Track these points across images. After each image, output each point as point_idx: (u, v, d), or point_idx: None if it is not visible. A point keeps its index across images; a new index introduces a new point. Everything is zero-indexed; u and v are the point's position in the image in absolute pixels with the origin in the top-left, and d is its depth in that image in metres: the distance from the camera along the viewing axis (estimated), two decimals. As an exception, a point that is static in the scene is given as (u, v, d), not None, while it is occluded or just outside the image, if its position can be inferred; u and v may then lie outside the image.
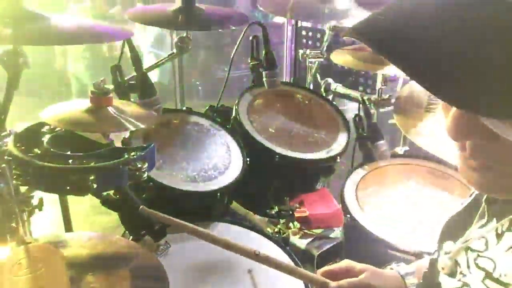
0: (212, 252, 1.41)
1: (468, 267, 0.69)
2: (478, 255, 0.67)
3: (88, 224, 2.50)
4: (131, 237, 1.35)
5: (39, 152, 1.17)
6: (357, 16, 1.91)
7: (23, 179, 1.13)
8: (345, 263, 1.07)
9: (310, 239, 1.72)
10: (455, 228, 0.76)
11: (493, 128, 0.50)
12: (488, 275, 0.64)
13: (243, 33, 1.89)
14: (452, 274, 0.72)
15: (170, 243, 1.40)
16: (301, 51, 2.26)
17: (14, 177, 1.12)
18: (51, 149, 1.19)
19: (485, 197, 0.72)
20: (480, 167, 0.58)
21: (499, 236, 0.64)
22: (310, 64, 2.22)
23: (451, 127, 0.56)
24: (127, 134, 1.60)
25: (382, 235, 1.50)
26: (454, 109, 0.55)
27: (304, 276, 1.06)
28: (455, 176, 1.78)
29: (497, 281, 0.62)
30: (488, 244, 0.66)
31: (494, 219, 0.67)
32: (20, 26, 1.17)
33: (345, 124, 1.94)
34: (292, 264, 1.39)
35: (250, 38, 1.89)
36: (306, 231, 1.73)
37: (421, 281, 0.89)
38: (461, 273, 0.70)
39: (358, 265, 1.05)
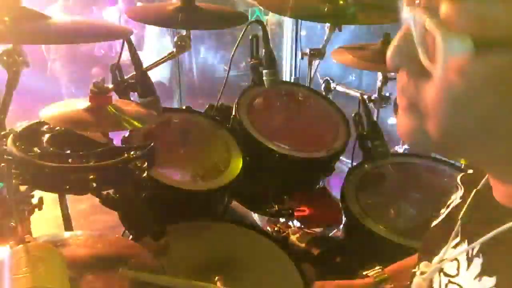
0: (212, 252, 1.41)
1: None
2: (450, 281, 0.65)
3: (88, 224, 2.50)
4: (131, 236, 1.35)
5: (38, 151, 1.17)
6: (357, 14, 1.91)
7: (22, 178, 1.13)
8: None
9: (309, 238, 1.72)
10: (431, 244, 0.74)
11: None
12: None
13: (243, 32, 1.89)
14: None
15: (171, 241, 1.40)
16: (301, 50, 2.25)
17: (14, 176, 1.12)
18: (51, 148, 1.19)
19: (460, 214, 0.69)
20: (406, 106, 0.57)
21: (469, 260, 0.62)
22: (310, 63, 2.21)
23: (390, 53, 0.55)
24: (127, 133, 1.60)
25: (383, 234, 1.50)
26: (398, 34, 0.55)
27: None
28: (454, 175, 1.78)
29: None
30: (459, 268, 0.63)
31: (466, 240, 0.65)
32: (19, 25, 1.17)
33: (345, 123, 1.94)
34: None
35: (250, 37, 1.89)
36: (306, 230, 1.73)
37: None
38: None
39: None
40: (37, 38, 1.21)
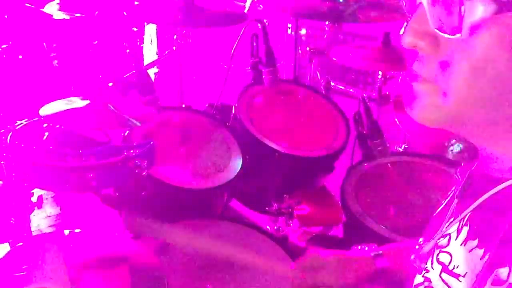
0: (211, 251, 1.41)
1: (432, 263, 0.71)
2: (440, 251, 0.70)
3: (88, 222, 2.50)
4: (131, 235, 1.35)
5: (38, 149, 1.16)
6: (357, 13, 1.91)
7: (22, 176, 1.13)
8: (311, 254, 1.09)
9: (309, 237, 1.72)
10: (432, 230, 0.77)
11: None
12: (444, 269, 0.67)
13: (242, 30, 1.89)
14: (420, 270, 0.74)
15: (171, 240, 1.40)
16: (301, 49, 2.25)
17: (13, 174, 1.11)
18: (51, 147, 1.19)
19: (457, 194, 0.73)
20: (419, 80, 0.60)
21: (459, 231, 0.67)
22: (310, 62, 2.21)
23: (407, 30, 0.58)
24: (126, 132, 1.60)
25: (382, 232, 1.50)
26: (414, 16, 0.58)
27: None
28: (455, 174, 1.77)
29: (450, 273, 0.65)
30: (450, 240, 0.68)
31: (459, 216, 0.69)
32: (20, 23, 1.16)
33: (345, 122, 1.94)
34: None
35: (250, 35, 1.88)
36: (305, 229, 1.72)
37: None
38: (426, 269, 0.73)
39: (323, 257, 1.08)
40: (36, 36, 1.21)
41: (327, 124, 1.95)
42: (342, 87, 2.18)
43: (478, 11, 0.52)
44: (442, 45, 0.56)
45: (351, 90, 2.18)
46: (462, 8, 0.52)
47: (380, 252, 1.07)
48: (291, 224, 1.75)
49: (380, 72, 2.08)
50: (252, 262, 1.30)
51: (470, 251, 0.62)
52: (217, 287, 1.30)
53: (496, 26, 0.52)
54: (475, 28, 0.52)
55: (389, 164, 1.86)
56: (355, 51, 2.02)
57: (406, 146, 2.22)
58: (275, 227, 1.75)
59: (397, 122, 1.89)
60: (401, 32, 0.59)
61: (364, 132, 1.82)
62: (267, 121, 1.87)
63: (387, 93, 2.08)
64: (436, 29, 0.55)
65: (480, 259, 0.59)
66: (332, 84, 2.19)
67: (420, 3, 0.57)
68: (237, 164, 1.68)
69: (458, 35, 0.53)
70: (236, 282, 1.33)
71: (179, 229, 1.45)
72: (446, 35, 0.55)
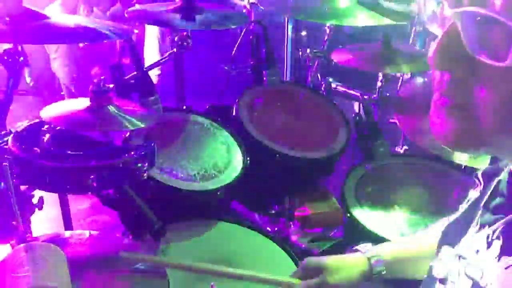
0: (212, 252, 1.41)
1: (458, 275, 0.68)
2: (468, 263, 0.66)
3: (88, 224, 2.50)
4: (131, 236, 1.35)
5: (39, 151, 1.17)
6: (358, 15, 1.91)
7: (23, 178, 1.14)
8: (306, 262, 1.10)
9: (310, 238, 1.72)
10: (453, 234, 0.75)
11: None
12: (475, 284, 0.63)
13: (243, 32, 1.89)
14: (444, 281, 0.71)
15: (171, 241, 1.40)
16: (301, 50, 2.26)
17: (14, 176, 1.12)
18: (51, 148, 1.19)
19: (482, 203, 0.71)
20: (450, 106, 0.56)
21: (489, 243, 0.64)
22: (310, 63, 2.22)
23: (437, 52, 0.53)
24: (127, 133, 1.60)
25: (383, 234, 1.50)
26: (441, 35, 0.53)
27: (271, 281, 1.08)
28: (455, 175, 1.78)
29: None
30: (479, 252, 0.65)
31: (486, 226, 0.66)
32: (20, 24, 1.17)
33: (345, 123, 1.94)
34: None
35: (251, 37, 1.89)
36: (306, 230, 1.73)
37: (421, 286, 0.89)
38: (451, 281, 0.70)
39: (319, 263, 1.08)
40: (37, 38, 1.21)
41: (328, 125, 1.95)
42: (343, 89, 2.18)
43: None
44: (479, 70, 0.51)
45: (351, 91, 2.17)
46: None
47: (376, 251, 1.07)
48: (292, 226, 1.76)
49: (380, 74, 2.08)
50: (252, 263, 1.31)
51: (506, 268, 0.59)
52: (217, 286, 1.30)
53: None
54: None
55: (389, 165, 1.86)
56: (356, 52, 2.02)
57: (406, 147, 2.22)
58: (276, 229, 1.75)
59: (397, 123, 1.89)
60: (429, 54, 0.54)
61: (365, 133, 1.82)
62: (268, 122, 1.87)
63: (387, 94, 2.08)
64: (476, 54, 0.50)
65: None
66: (333, 85, 2.19)
67: (452, 22, 0.51)
68: (237, 165, 1.68)
69: (502, 63, 0.48)
70: (236, 283, 1.33)
71: (180, 229, 1.45)
72: (488, 61, 0.49)
